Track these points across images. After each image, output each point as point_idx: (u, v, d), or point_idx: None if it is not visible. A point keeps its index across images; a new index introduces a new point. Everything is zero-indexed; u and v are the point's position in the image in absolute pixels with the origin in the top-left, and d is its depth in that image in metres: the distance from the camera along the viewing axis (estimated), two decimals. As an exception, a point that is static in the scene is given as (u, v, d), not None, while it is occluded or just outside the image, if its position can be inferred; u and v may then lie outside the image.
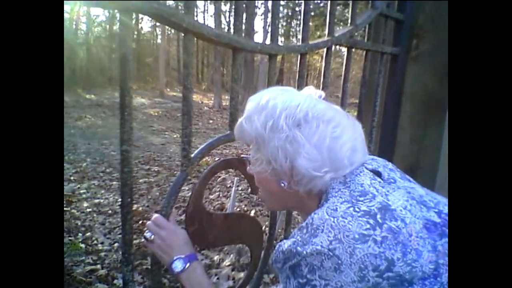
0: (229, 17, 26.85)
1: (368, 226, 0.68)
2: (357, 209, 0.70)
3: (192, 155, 1.01)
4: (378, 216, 0.69)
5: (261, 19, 22.16)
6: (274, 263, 0.76)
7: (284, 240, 0.74)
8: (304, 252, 0.68)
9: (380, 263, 0.65)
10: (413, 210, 0.74)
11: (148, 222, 0.99)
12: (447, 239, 0.71)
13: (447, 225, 0.73)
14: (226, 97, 20.45)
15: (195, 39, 0.95)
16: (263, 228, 1.32)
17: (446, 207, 0.78)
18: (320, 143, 0.76)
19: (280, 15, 1.29)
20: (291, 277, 0.71)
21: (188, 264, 0.93)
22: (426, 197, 0.80)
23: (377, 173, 0.84)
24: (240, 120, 0.84)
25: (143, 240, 1.00)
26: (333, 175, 0.78)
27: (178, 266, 0.93)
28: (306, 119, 0.77)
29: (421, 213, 0.75)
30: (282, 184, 0.82)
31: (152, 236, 0.97)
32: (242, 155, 0.94)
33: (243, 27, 1.07)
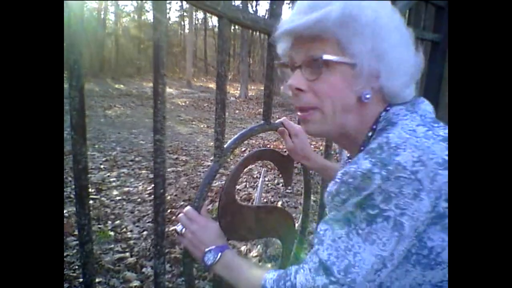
0: (256, 6, 26.68)
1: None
2: (436, 134, 0.63)
3: (225, 146, 0.97)
4: None
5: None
6: (337, 195, 0.64)
7: (352, 166, 0.63)
8: (387, 176, 0.59)
9: None
10: None
11: (180, 215, 0.96)
12: None
13: None
14: (252, 87, 20.45)
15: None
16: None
17: None
18: (410, 56, 0.73)
19: None
20: (358, 210, 0.63)
21: (220, 254, 0.88)
22: None
23: None
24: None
25: (171, 229, 0.97)
26: (410, 90, 0.75)
27: (210, 258, 0.88)
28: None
29: None
30: (367, 96, 0.70)
31: (184, 230, 0.94)
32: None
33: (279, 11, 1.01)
